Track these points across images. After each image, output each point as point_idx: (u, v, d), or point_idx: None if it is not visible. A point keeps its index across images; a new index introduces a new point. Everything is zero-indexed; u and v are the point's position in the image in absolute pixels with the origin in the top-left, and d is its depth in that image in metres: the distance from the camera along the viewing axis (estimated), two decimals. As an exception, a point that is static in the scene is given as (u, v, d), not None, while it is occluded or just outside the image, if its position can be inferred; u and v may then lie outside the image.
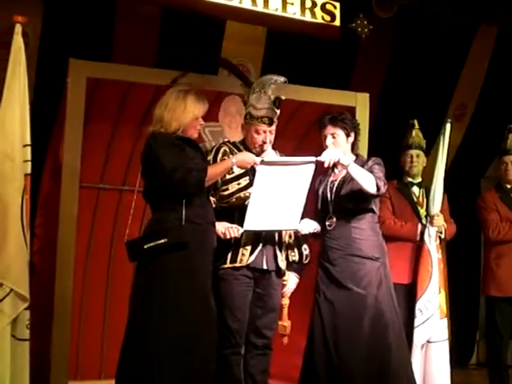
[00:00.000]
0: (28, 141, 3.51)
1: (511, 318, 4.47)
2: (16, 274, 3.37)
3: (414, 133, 4.48)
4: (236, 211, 3.44)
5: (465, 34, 5.34)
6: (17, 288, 3.37)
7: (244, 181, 3.44)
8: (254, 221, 3.36)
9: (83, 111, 3.99)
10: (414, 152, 4.43)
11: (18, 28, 3.52)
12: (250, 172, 3.40)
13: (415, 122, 4.51)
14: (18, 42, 3.51)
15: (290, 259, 3.61)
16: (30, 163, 3.51)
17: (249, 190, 3.41)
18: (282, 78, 3.52)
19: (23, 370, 3.42)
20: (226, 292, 3.41)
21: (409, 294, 4.15)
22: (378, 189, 3.51)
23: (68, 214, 3.96)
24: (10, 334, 3.37)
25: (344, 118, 3.65)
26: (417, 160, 4.43)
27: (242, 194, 3.43)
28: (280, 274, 3.54)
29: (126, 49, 4.54)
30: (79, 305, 4.39)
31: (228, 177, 3.39)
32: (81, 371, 4.44)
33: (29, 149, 3.51)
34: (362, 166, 3.55)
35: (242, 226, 3.36)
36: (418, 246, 4.22)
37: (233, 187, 3.43)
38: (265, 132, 3.47)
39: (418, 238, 4.22)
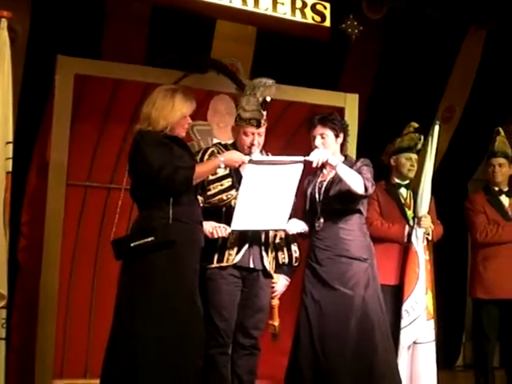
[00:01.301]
0: (10, 138, 3.48)
1: (498, 320, 4.49)
2: None
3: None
4: (223, 211, 3.42)
5: (454, 36, 5.35)
6: None
7: (227, 182, 3.43)
8: (242, 220, 3.34)
9: (71, 108, 3.98)
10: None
11: (4, 23, 3.50)
12: (234, 173, 3.39)
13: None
14: (3, 37, 3.48)
15: (280, 261, 3.60)
16: (11, 161, 3.47)
17: (231, 192, 3.40)
18: (271, 81, 3.50)
19: None
20: (213, 291, 3.39)
21: (396, 295, 4.15)
22: (366, 189, 3.51)
23: (54, 212, 3.94)
24: None
25: (333, 118, 3.64)
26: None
27: (224, 196, 3.42)
28: (267, 274, 3.53)
29: (115, 46, 4.51)
30: (65, 303, 4.37)
31: (211, 177, 3.38)
32: (66, 370, 4.41)
33: (11, 146, 3.47)
34: (351, 167, 3.55)
35: (229, 225, 3.35)
36: (406, 248, 4.22)
37: (215, 188, 3.42)
38: (253, 134, 3.46)
39: (406, 239, 4.22)
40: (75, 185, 4.39)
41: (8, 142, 3.47)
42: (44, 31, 4.45)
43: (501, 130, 4.64)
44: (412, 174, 4.38)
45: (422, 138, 4.36)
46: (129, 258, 3.12)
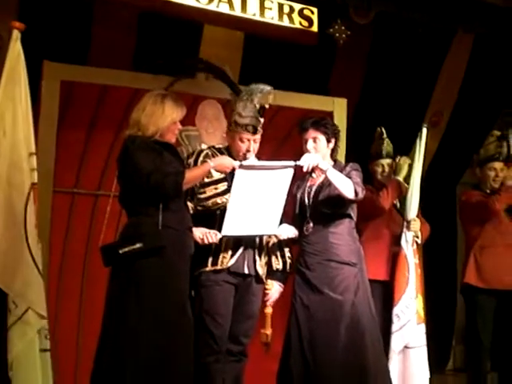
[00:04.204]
0: (33, 149, 3.37)
1: (492, 324, 4.43)
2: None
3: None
4: (217, 215, 3.39)
5: (441, 40, 5.38)
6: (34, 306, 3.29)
7: (222, 186, 3.41)
8: (233, 226, 3.32)
9: (57, 114, 3.95)
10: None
11: (17, 34, 3.34)
12: (229, 178, 3.37)
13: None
14: (16, 49, 3.34)
15: (274, 267, 3.57)
16: (36, 172, 3.36)
17: (226, 196, 3.38)
18: (269, 87, 3.50)
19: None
20: (208, 298, 3.35)
21: (385, 292, 4.12)
22: (356, 194, 3.51)
23: (41, 219, 3.87)
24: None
25: (326, 122, 3.65)
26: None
27: (218, 200, 3.40)
28: (259, 279, 3.50)
29: (103, 52, 4.49)
30: (53, 313, 4.30)
31: (206, 180, 3.36)
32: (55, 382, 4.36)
33: (34, 157, 3.37)
34: (340, 172, 3.55)
35: (220, 231, 3.33)
36: (395, 252, 4.22)
37: (210, 191, 3.41)
38: (249, 140, 3.44)
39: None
40: (62, 192, 4.35)
41: (31, 153, 3.36)
42: (30, 37, 4.40)
43: (496, 132, 4.61)
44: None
45: (386, 142, 4.38)
46: (117, 265, 3.08)
